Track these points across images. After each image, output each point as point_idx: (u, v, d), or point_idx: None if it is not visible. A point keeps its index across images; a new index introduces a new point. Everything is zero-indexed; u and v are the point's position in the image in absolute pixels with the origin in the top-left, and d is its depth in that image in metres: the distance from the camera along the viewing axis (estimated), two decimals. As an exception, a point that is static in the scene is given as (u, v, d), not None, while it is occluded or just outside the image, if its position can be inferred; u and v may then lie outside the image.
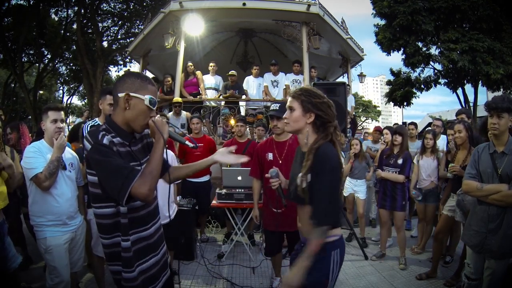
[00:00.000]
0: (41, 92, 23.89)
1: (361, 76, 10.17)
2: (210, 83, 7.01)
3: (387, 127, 5.29)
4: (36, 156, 2.38)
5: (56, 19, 18.79)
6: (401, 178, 3.90)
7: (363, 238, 4.66)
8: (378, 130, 6.05)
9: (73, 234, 2.53)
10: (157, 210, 1.70)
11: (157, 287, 1.61)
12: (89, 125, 2.86)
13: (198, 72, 6.97)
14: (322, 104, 1.70)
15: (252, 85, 6.93)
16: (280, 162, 3.04)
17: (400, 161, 3.94)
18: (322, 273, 1.64)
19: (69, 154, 2.70)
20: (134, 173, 1.38)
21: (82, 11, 15.83)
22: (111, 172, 1.37)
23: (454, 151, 3.56)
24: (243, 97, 6.94)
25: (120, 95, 1.49)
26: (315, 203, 1.60)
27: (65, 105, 24.54)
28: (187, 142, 1.75)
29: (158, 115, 1.61)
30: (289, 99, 1.77)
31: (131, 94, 1.48)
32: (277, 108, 3.00)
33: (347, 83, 7.42)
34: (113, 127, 1.51)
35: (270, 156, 3.11)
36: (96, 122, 2.92)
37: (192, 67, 6.89)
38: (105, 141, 1.41)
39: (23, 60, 18.26)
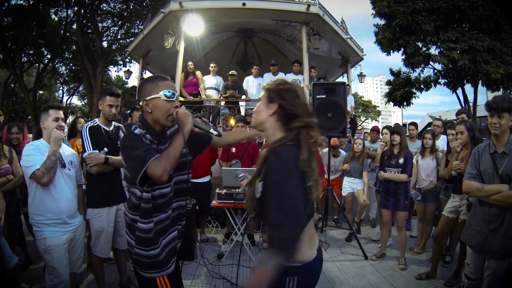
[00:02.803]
0: (41, 92, 23.88)
1: (361, 76, 10.17)
2: (211, 83, 7.01)
3: (386, 127, 5.29)
4: (34, 154, 2.37)
5: (56, 19, 18.79)
6: (404, 178, 3.89)
7: (358, 223, 4.74)
8: (375, 130, 6.10)
9: (72, 234, 2.52)
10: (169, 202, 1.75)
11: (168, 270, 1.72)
12: (88, 126, 2.82)
13: (198, 72, 6.97)
14: (287, 92, 1.37)
15: (252, 85, 6.93)
16: None
17: (401, 161, 3.93)
18: None
19: (69, 152, 2.69)
20: (150, 155, 1.50)
21: (82, 11, 15.82)
22: (131, 155, 1.52)
23: (455, 152, 3.52)
24: (243, 97, 6.94)
25: (141, 103, 1.66)
26: (268, 218, 1.26)
27: (64, 105, 24.52)
28: (211, 130, 1.81)
29: (184, 107, 1.72)
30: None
31: (147, 98, 1.63)
32: None
33: (347, 83, 7.43)
34: (146, 126, 1.65)
35: None
36: (96, 122, 2.89)
37: (193, 66, 6.90)
38: (136, 131, 1.60)
39: (22, 60, 18.26)
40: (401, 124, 6.68)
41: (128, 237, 1.73)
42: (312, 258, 1.39)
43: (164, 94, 1.61)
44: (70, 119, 25.97)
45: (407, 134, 5.39)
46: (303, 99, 1.41)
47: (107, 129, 2.89)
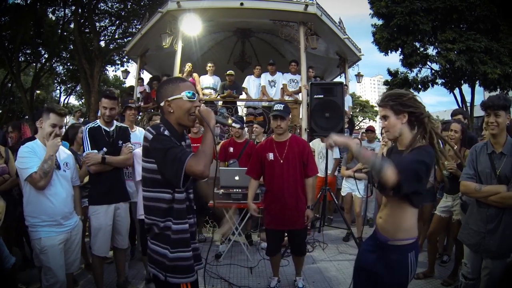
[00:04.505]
0: (38, 91, 23.76)
1: (359, 76, 10.20)
2: (208, 83, 7.01)
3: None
4: (30, 156, 2.36)
5: (53, 18, 18.66)
6: None
7: (359, 238, 4.66)
8: (370, 130, 6.16)
9: (68, 234, 2.51)
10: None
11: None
12: (89, 127, 2.94)
13: (195, 74, 7.01)
14: (409, 100, 1.76)
15: (252, 84, 6.93)
16: (282, 161, 3.07)
17: None
18: (402, 274, 1.77)
19: (64, 153, 2.68)
20: (186, 154, 1.56)
21: (80, 10, 15.75)
22: (168, 158, 1.55)
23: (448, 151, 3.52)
24: (241, 96, 6.95)
25: (162, 104, 1.70)
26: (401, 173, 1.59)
27: (62, 105, 24.41)
28: (233, 124, 1.94)
29: (203, 104, 1.77)
30: (380, 109, 1.84)
31: (169, 99, 1.67)
32: (281, 108, 3.03)
33: (344, 83, 7.44)
34: (169, 128, 1.68)
35: (271, 156, 3.13)
36: (97, 123, 2.99)
37: (191, 67, 6.92)
38: (166, 132, 1.63)
39: (20, 59, 18.12)
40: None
41: (161, 248, 1.65)
42: (417, 237, 1.84)
43: (186, 95, 1.67)
44: (68, 119, 25.90)
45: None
46: (418, 98, 1.80)
47: (108, 129, 2.99)
